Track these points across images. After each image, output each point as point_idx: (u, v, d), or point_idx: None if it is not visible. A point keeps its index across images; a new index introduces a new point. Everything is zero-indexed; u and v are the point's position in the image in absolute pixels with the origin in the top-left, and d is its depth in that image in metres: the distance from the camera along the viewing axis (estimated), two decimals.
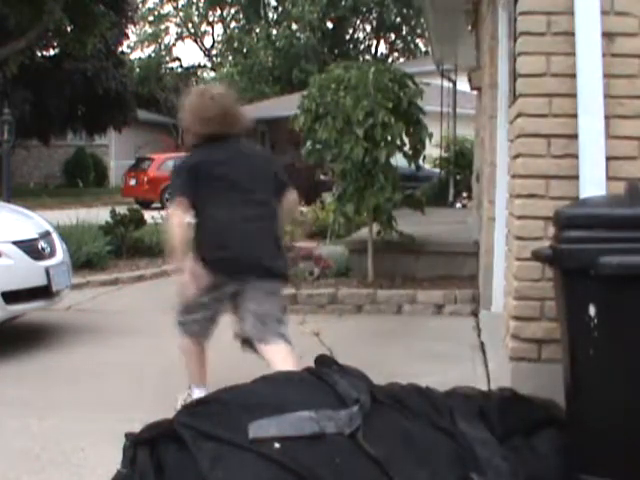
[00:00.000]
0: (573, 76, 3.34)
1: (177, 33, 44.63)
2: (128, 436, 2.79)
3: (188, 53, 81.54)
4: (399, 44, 44.10)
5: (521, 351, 3.52)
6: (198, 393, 3.87)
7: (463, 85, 12.27)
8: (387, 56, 42.87)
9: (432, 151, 12.72)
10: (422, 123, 7.11)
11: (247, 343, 3.89)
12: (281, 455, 2.57)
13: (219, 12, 44.54)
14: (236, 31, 43.09)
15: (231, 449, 2.60)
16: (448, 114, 16.17)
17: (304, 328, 6.01)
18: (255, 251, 3.75)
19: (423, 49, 40.15)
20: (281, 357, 3.69)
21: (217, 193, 3.74)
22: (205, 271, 3.67)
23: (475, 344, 5.44)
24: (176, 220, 3.64)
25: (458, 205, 14.13)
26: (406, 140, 7.15)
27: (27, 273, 5.44)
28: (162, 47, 43.02)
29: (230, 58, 42.37)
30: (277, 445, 2.61)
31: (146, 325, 6.32)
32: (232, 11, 44.46)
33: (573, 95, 3.34)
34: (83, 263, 8.25)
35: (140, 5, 39.27)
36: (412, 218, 7.91)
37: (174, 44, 45.26)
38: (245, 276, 3.73)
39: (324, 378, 2.99)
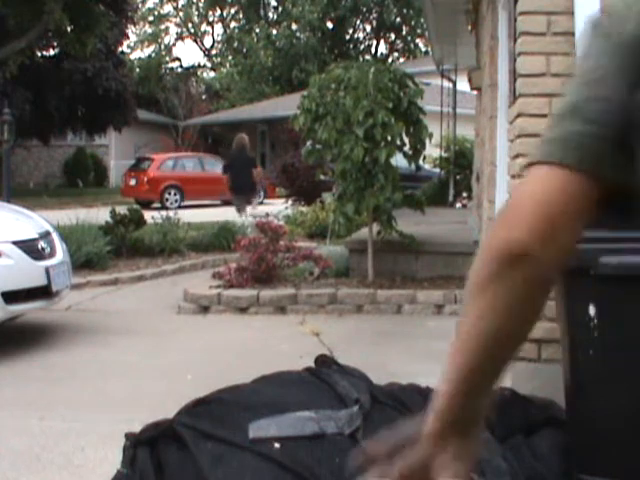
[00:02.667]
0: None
1: (177, 33, 44.70)
2: (128, 436, 2.79)
3: (188, 53, 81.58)
4: (399, 44, 44.11)
5: (521, 351, 3.51)
6: None
7: (463, 85, 12.27)
8: (387, 56, 42.87)
9: (432, 151, 12.72)
10: (422, 123, 7.11)
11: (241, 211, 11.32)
12: (281, 455, 2.57)
13: (219, 12, 44.57)
14: (236, 31, 43.11)
15: (231, 449, 2.60)
16: (448, 114, 16.16)
17: (304, 328, 6.02)
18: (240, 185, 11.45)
19: (423, 49, 40.17)
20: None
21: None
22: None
23: None
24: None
25: (458, 205, 14.12)
26: (406, 140, 7.15)
27: (27, 273, 5.44)
28: (162, 47, 43.03)
29: (230, 58, 42.40)
30: (277, 445, 2.61)
31: (146, 325, 6.33)
32: (232, 11, 44.50)
33: None
34: (83, 263, 8.25)
35: (140, 5, 39.29)
36: (412, 218, 7.91)
37: (174, 44, 45.37)
38: (237, 193, 11.68)
39: (324, 378, 2.99)
